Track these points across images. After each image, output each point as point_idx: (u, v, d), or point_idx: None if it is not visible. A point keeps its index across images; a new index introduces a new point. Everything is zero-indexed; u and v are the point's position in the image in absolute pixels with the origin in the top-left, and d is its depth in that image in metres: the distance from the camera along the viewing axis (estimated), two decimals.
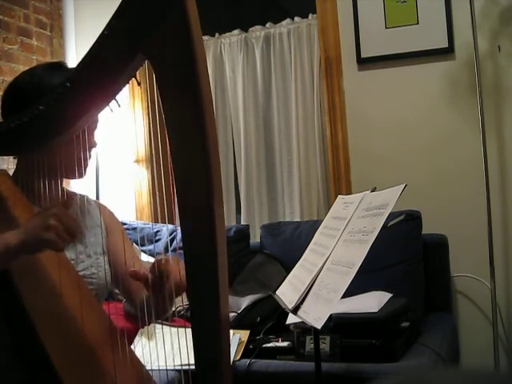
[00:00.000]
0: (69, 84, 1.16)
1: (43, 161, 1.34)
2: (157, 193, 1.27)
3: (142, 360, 1.40)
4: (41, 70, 1.42)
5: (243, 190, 3.37)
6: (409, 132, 2.95)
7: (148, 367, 1.41)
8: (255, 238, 3.18)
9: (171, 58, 1.07)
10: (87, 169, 1.46)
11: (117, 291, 1.70)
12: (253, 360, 2.19)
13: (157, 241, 2.97)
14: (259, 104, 3.37)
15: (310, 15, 3.24)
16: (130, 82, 1.18)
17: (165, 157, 1.15)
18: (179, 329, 2.22)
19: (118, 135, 3.07)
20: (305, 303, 1.68)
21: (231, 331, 2.25)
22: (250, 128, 3.35)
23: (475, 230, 2.79)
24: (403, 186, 1.69)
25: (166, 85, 1.08)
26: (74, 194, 1.53)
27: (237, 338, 2.28)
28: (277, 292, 1.95)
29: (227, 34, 3.43)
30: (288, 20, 3.32)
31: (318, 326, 1.54)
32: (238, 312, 2.51)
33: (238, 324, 2.42)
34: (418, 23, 2.91)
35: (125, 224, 2.80)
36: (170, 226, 3.00)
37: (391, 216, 1.68)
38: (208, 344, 1.13)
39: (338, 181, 3.07)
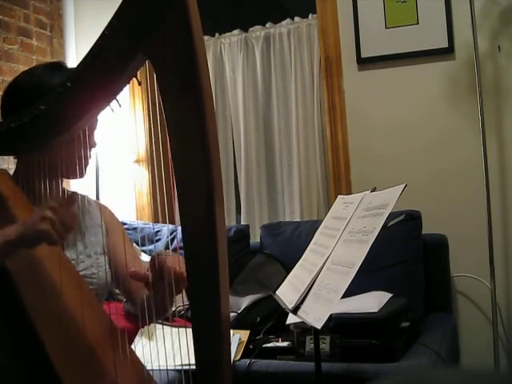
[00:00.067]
0: (69, 84, 1.16)
1: (43, 161, 1.34)
2: (157, 193, 1.27)
3: (142, 360, 1.40)
4: (41, 70, 1.43)
5: (243, 190, 3.37)
6: (409, 132, 2.95)
7: (148, 367, 1.41)
8: (255, 238, 3.18)
9: (172, 57, 1.07)
10: (87, 168, 1.46)
11: (117, 291, 1.70)
12: (253, 360, 2.19)
13: (157, 241, 2.97)
14: (259, 104, 3.37)
15: (310, 15, 3.24)
16: (131, 81, 1.18)
17: (165, 157, 1.15)
18: (179, 329, 2.23)
19: (118, 135, 3.07)
20: (305, 303, 1.68)
21: (231, 331, 2.25)
22: (250, 128, 3.35)
23: (475, 230, 2.79)
24: (403, 186, 1.69)
25: (166, 85, 1.09)
26: (75, 194, 1.53)
27: (237, 338, 2.28)
28: (277, 292, 1.95)
29: (227, 33, 3.43)
30: (288, 20, 3.32)
31: (318, 326, 1.54)
32: (238, 312, 2.51)
33: (238, 324, 2.42)
34: (417, 23, 2.91)
35: (125, 224, 2.80)
36: (171, 226, 3.00)
37: (391, 216, 1.68)
38: (208, 344, 1.13)
39: (338, 181, 3.07)
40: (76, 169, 1.41)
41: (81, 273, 1.41)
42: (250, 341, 2.30)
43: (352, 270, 1.56)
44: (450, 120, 2.87)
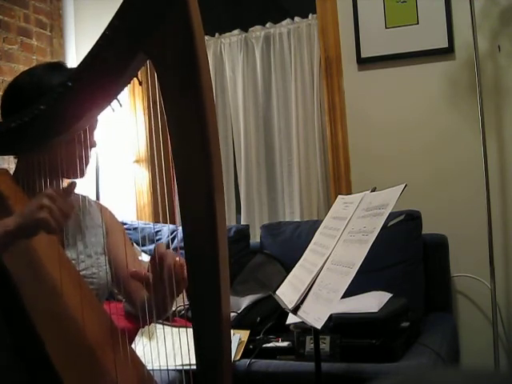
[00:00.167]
0: (70, 84, 1.16)
1: (44, 160, 1.34)
2: (157, 193, 1.28)
3: (142, 360, 1.40)
4: (41, 70, 1.43)
5: (243, 190, 3.37)
6: (409, 132, 2.95)
7: (149, 367, 1.41)
8: (255, 238, 3.18)
9: (172, 57, 1.07)
10: (87, 168, 1.46)
11: (117, 291, 1.70)
12: (253, 360, 2.19)
13: (157, 241, 2.97)
14: (259, 104, 3.37)
15: (310, 15, 3.24)
16: (131, 81, 1.18)
17: (165, 156, 1.15)
18: (180, 329, 2.23)
19: (118, 135, 3.07)
20: (305, 303, 1.68)
21: (231, 331, 2.25)
22: (250, 128, 3.35)
23: (475, 230, 2.79)
24: (403, 186, 1.69)
25: (167, 84, 1.09)
26: (75, 194, 1.53)
27: (237, 338, 2.28)
28: (277, 292, 1.95)
29: (227, 34, 3.43)
30: (288, 20, 3.32)
31: (318, 326, 1.54)
32: (238, 312, 2.51)
33: (238, 324, 2.42)
34: (418, 23, 2.91)
35: (125, 224, 2.80)
36: (171, 226, 3.00)
37: (391, 216, 1.68)
38: (209, 344, 1.13)
39: (338, 181, 3.07)
40: (76, 169, 1.41)
41: (81, 273, 1.41)
42: (249, 341, 2.30)
43: (352, 270, 1.56)
44: (450, 120, 2.87)
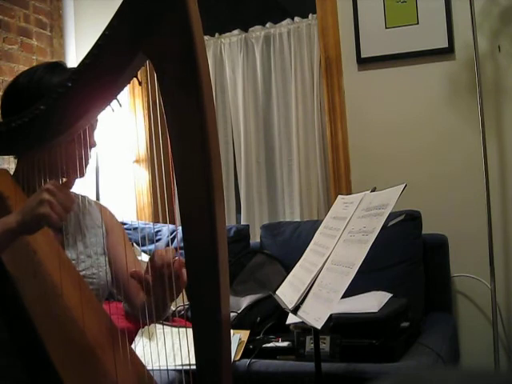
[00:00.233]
0: (70, 84, 1.17)
1: (44, 160, 1.34)
2: (157, 193, 1.28)
3: (142, 360, 1.40)
4: (41, 70, 1.43)
5: (243, 190, 3.38)
6: (409, 132, 2.95)
7: (148, 367, 1.41)
8: (255, 238, 3.18)
9: (172, 58, 1.07)
10: (87, 168, 1.46)
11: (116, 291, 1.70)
12: (253, 360, 2.19)
13: (157, 241, 2.97)
14: (259, 104, 3.37)
15: (310, 15, 3.24)
16: (131, 81, 1.18)
17: (165, 157, 1.15)
18: (180, 329, 2.23)
19: (118, 135, 3.07)
20: (305, 303, 1.68)
21: (231, 331, 2.25)
22: (250, 128, 3.35)
23: (475, 230, 2.79)
24: (403, 186, 1.69)
25: (166, 85, 1.09)
26: (75, 194, 1.53)
27: (237, 338, 2.28)
28: (277, 292, 1.95)
29: (227, 34, 3.43)
30: (288, 20, 3.32)
31: (318, 326, 1.54)
32: (238, 312, 2.51)
33: (238, 324, 2.42)
34: (418, 23, 2.91)
35: (125, 224, 2.80)
36: (171, 226, 3.00)
37: (391, 216, 1.68)
38: (208, 344, 1.13)
39: (338, 181, 3.07)
40: (76, 169, 1.41)
41: (81, 273, 1.41)
42: (249, 341, 2.30)
43: (352, 270, 1.56)
44: (450, 120, 2.87)
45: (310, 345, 2.11)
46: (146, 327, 2.12)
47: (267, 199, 3.38)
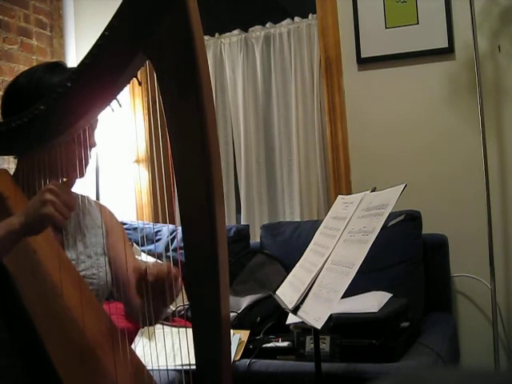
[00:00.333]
0: (69, 84, 1.17)
1: (44, 160, 1.34)
2: (157, 193, 1.28)
3: (142, 360, 1.40)
4: (40, 70, 1.42)
5: (243, 190, 3.37)
6: (409, 132, 2.95)
7: (148, 367, 1.41)
8: (255, 238, 3.18)
9: (172, 57, 1.07)
10: (87, 168, 1.46)
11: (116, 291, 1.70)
12: (253, 360, 2.19)
13: (157, 241, 2.97)
14: (259, 104, 3.37)
15: (310, 15, 3.24)
16: (131, 81, 1.18)
17: (165, 157, 1.15)
18: (179, 329, 2.23)
19: (118, 135, 3.07)
20: (305, 303, 1.68)
21: (231, 331, 2.25)
22: (250, 128, 3.35)
23: (475, 230, 2.79)
24: (403, 186, 1.69)
25: (166, 84, 1.09)
26: (75, 194, 1.53)
27: (237, 338, 2.28)
28: (277, 292, 1.95)
29: (227, 34, 3.43)
30: (288, 20, 3.32)
31: (318, 326, 1.54)
32: (238, 312, 2.51)
33: (238, 324, 2.42)
34: (417, 23, 2.91)
35: (125, 224, 2.80)
36: (171, 226, 3.00)
37: (391, 216, 1.68)
38: (208, 344, 1.13)
39: (338, 181, 3.07)
40: (76, 169, 1.40)
41: (81, 273, 1.41)
42: (249, 341, 2.30)
43: (352, 270, 1.56)
44: (450, 120, 2.87)
45: (310, 345, 2.11)
46: (146, 327, 2.13)
47: (267, 199, 3.38)
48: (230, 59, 3.41)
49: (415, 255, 2.68)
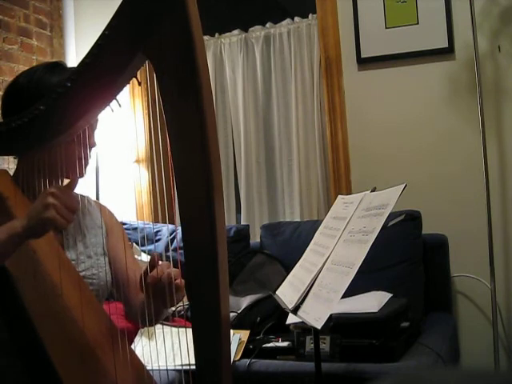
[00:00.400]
0: (69, 84, 1.16)
1: (44, 161, 1.34)
2: (157, 193, 1.28)
3: (142, 360, 1.40)
4: (40, 70, 1.42)
5: (243, 190, 3.37)
6: (409, 132, 2.95)
7: (148, 367, 1.41)
8: (255, 238, 3.18)
9: (172, 58, 1.07)
10: (87, 168, 1.46)
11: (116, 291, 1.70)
12: (253, 360, 2.19)
13: (157, 241, 2.97)
14: (259, 104, 3.37)
15: (310, 15, 3.24)
16: (131, 81, 1.18)
17: (165, 157, 1.15)
18: (179, 329, 2.23)
19: (118, 135, 3.07)
20: (305, 303, 1.68)
21: (231, 331, 2.25)
22: (250, 128, 3.35)
23: (475, 230, 2.79)
24: (403, 186, 1.69)
25: (166, 85, 1.09)
26: (76, 194, 1.53)
27: (237, 338, 2.28)
28: (277, 292, 1.95)
29: (227, 34, 3.43)
30: (288, 20, 3.32)
31: (318, 326, 1.54)
32: (238, 312, 2.51)
33: (238, 324, 2.42)
34: (417, 23, 2.91)
35: (125, 224, 2.80)
36: (171, 226, 3.00)
37: (391, 216, 1.68)
38: (208, 344, 1.13)
39: (338, 181, 3.07)
40: (76, 169, 1.40)
41: (81, 273, 1.41)
42: (249, 341, 2.30)
43: (352, 269, 1.56)
44: (450, 120, 2.87)
45: (310, 345, 2.11)
46: (146, 327, 2.12)
47: (267, 199, 3.38)
48: (230, 59, 3.41)
49: (415, 255, 2.68)
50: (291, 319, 2.01)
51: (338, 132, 3.07)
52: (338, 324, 2.10)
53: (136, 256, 2.49)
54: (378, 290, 2.43)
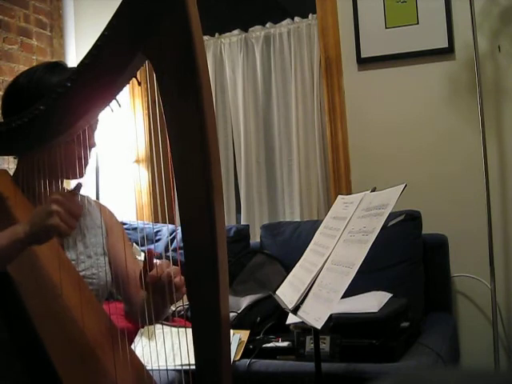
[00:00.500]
0: (69, 84, 1.16)
1: (43, 161, 1.34)
2: (157, 193, 1.28)
3: (142, 360, 1.40)
4: (40, 70, 1.42)
5: (243, 190, 3.37)
6: (409, 132, 2.95)
7: (148, 367, 1.41)
8: (255, 238, 3.18)
9: (171, 58, 1.07)
10: (87, 168, 1.46)
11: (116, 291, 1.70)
12: (253, 360, 2.19)
13: (157, 241, 2.97)
14: (259, 104, 3.37)
15: (310, 15, 3.24)
16: (130, 81, 1.18)
17: (165, 157, 1.15)
18: (179, 329, 2.23)
19: (118, 135, 3.07)
20: (305, 303, 1.68)
21: (231, 331, 2.25)
22: (250, 128, 3.35)
23: (475, 230, 2.79)
24: (403, 186, 1.69)
25: (166, 85, 1.08)
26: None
27: (237, 338, 2.28)
28: (277, 292, 1.95)
29: (227, 34, 3.43)
30: (288, 20, 3.32)
31: (318, 326, 1.54)
32: (238, 312, 2.51)
33: (238, 324, 2.42)
34: (418, 23, 2.91)
35: (125, 224, 2.80)
36: (170, 226, 3.00)
37: (391, 216, 1.68)
38: (208, 344, 1.13)
39: (338, 181, 3.07)
40: (76, 169, 1.40)
41: (81, 273, 1.41)
42: (249, 341, 2.30)
43: (352, 269, 1.56)
44: (450, 120, 2.87)
45: (310, 345, 2.11)
46: (146, 327, 2.13)
47: (267, 199, 3.38)
48: (230, 59, 3.41)
49: (415, 255, 2.68)
50: (291, 319, 2.01)
51: (337, 132, 3.07)
52: (338, 324, 2.10)
53: (136, 256, 2.49)
54: (378, 290, 2.43)
